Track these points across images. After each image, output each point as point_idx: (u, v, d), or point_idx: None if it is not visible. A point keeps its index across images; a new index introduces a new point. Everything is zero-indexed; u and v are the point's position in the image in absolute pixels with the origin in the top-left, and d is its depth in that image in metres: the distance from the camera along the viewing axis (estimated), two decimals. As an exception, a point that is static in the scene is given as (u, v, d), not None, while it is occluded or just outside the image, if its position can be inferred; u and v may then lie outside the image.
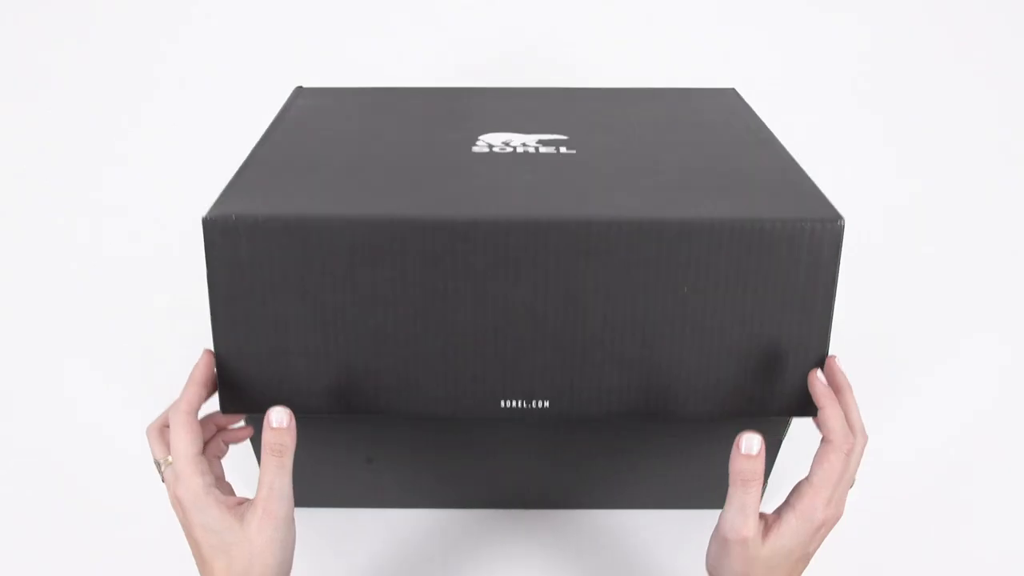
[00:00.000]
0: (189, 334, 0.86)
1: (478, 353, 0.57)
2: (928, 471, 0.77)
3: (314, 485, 0.72)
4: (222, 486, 0.57)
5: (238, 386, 0.58)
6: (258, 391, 0.58)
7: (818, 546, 0.55)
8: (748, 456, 0.53)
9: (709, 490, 0.73)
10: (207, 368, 0.57)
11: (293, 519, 0.54)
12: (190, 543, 0.54)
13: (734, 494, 0.53)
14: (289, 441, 0.54)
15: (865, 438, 0.56)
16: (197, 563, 0.54)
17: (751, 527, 0.53)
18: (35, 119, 1.05)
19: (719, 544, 0.55)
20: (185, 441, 0.54)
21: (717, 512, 0.73)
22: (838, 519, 0.55)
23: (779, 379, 0.58)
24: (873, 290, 0.89)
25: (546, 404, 0.58)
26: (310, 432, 0.66)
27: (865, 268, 0.90)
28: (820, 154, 1.00)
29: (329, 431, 0.66)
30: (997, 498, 0.75)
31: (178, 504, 0.54)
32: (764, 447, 0.53)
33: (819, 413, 0.56)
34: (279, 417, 0.54)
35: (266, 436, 0.53)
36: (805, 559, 0.55)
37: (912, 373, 0.83)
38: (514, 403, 0.59)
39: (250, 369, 0.57)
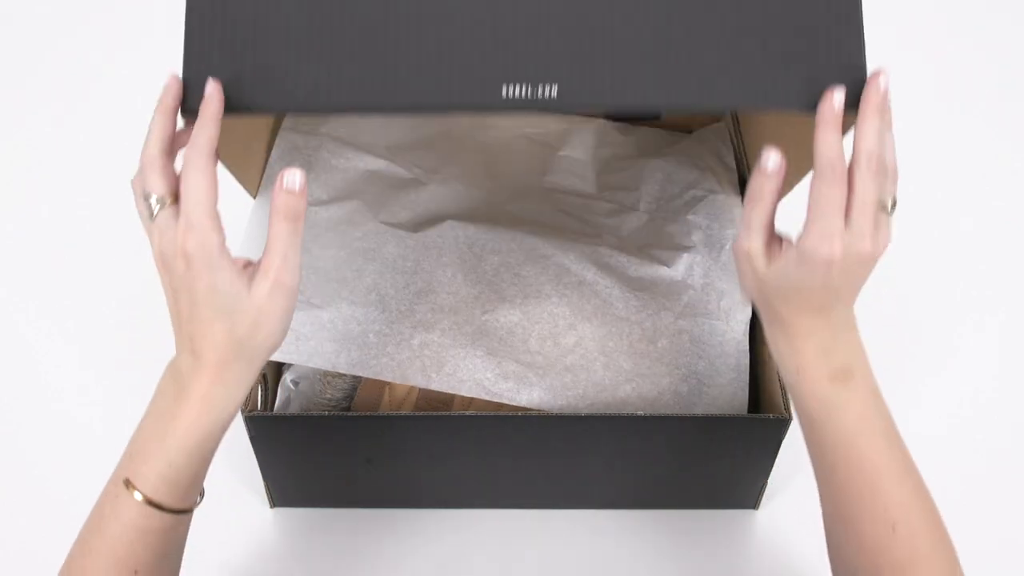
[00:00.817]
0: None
1: (476, 31, 0.51)
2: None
3: (314, 485, 0.72)
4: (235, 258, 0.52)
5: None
6: (233, 89, 0.53)
7: (852, 283, 0.53)
8: (762, 172, 0.52)
9: (709, 490, 0.73)
10: (218, 102, 0.52)
11: (298, 290, 0.51)
12: (180, 302, 0.50)
13: (744, 210, 0.54)
14: (303, 205, 0.50)
15: (878, 162, 0.53)
16: (184, 324, 0.50)
17: (751, 241, 0.54)
18: (23, 111, 1.05)
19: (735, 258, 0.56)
20: (206, 189, 0.49)
21: (717, 512, 0.74)
22: (873, 253, 0.53)
23: (802, 72, 0.53)
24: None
25: (554, 91, 0.52)
26: (310, 432, 0.66)
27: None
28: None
29: (329, 431, 0.66)
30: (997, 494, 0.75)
31: (182, 258, 0.48)
32: (783, 165, 0.52)
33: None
34: (292, 179, 0.49)
35: (278, 199, 0.49)
36: (832, 294, 0.53)
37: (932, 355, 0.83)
38: (518, 89, 0.52)
39: (223, 63, 0.52)
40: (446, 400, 0.68)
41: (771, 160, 0.52)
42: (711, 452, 0.68)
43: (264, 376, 0.71)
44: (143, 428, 0.52)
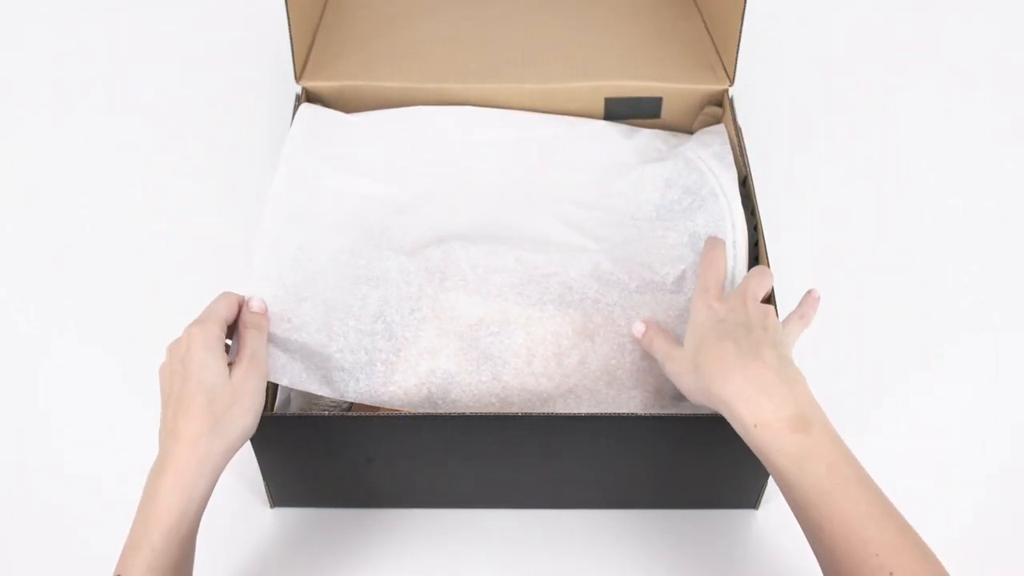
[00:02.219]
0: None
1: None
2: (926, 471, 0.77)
3: (314, 485, 0.72)
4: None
5: None
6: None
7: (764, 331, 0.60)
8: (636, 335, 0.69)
9: (709, 490, 0.73)
10: (264, 320, 0.66)
11: (267, 381, 0.63)
12: (173, 381, 0.59)
13: (646, 343, 0.68)
14: (266, 322, 0.66)
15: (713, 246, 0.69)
16: (170, 404, 0.58)
17: (662, 344, 0.66)
18: (27, 115, 1.05)
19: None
20: (224, 311, 0.63)
21: (717, 512, 0.74)
22: (752, 320, 0.60)
23: None
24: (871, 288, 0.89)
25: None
26: (310, 432, 0.66)
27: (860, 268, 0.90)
28: (820, 154, 1.00)
29: (329, 431, 0.66)
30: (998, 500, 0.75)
31: (186, 343, 0.60)
32: (645, 329, 0.68)
33: None
34: (258, 304, 0.67)
35: (246, 316, 0.65)
36: (748, 336, 0.59)
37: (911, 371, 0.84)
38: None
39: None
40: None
41: (636, 328, 0.69)
42: (711, 452, 0.68)
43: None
44: (134, 519, 0.57)
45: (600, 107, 0.89)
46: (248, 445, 0.66)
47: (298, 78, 0.87)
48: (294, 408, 0.72)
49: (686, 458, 0.69)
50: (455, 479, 0.71)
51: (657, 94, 0.88)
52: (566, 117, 0.88)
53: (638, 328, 0.68)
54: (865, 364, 0.83)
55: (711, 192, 0.77)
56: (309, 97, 0.88)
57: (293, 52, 0.85)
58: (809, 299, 0.66)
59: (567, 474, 0.71)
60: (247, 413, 0.59)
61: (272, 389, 0.73)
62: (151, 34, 1.11)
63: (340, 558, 0.71)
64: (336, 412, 0.70)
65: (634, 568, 0.71)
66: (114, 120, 1.03)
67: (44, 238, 0.92)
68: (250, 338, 0.63)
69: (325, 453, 0.68)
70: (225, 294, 0.65)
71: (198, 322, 0.61)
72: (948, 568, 0.53)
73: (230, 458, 0.59)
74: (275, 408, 0.72)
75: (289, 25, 0.83)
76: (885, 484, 0.75)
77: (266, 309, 0.67)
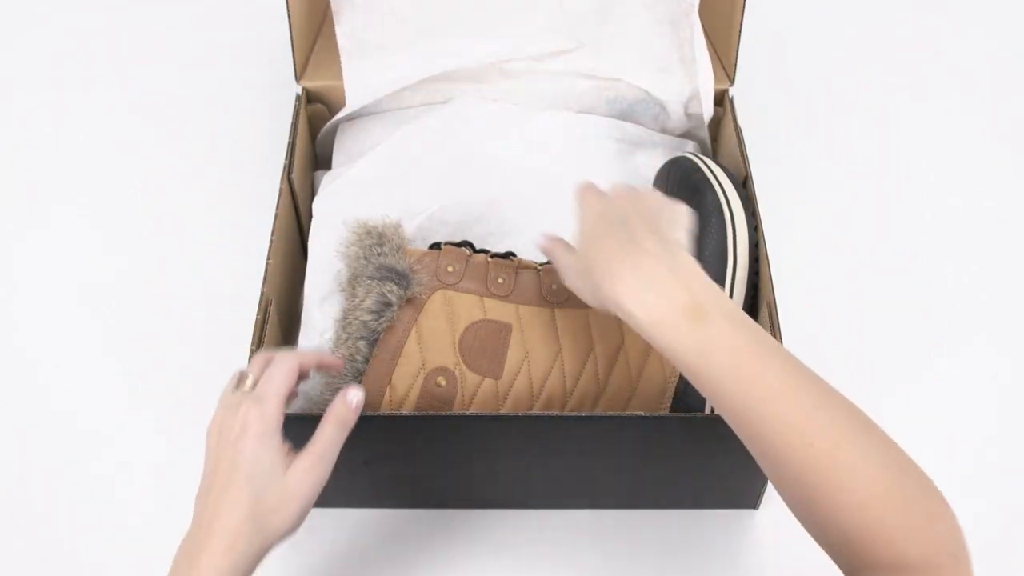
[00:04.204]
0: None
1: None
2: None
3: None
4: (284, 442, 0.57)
5: None
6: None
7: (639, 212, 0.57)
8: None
9: (709, 490, 0.73)
10: (353, 419, 0.59)
11: (323, 484, 0.56)
12: (220, 468, 0.54)
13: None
14: (355, 419, 0.58)
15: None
16: (212, 493, 0.53)
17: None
18: (29, 116, 1.05)
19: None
20: (286, 379, 0.56)
21: (717, 512, 0.74)
22: (627, 209, 0.57)
23: None
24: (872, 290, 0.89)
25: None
26: (310, 432, 0.66)
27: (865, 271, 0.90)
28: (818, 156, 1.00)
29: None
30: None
31: (240, 425, 0.54)
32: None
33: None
34: (355, 397, 0.58)
35: (338, 407, 0.57)
36: (627, 219, 0.56)
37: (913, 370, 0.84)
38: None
39: None
40: (447, 399, 0.68)
41: (539, 240, 0.65)
42: (711, 452, 0.68)
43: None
44: None
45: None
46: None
47: (298, 78, 0.87)
48: (294, 408, 0.72)
49: (686, 458, 0.69)
50: (455, 479, 0.71)
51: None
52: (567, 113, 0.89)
53: (540, 240, 0.64)
54: (865, 364, 0.83)
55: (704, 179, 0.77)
56: (309, 97, 0.88)
57: (293, 52, 0.85)
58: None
59: (567, 474, 0.71)
60: (292, 519, 0.54)
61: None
62: (151, 34, 1.11)
63: (340, 558, 0.71)
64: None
65: (635, 568, 0.71)
66: (114, 120, 1.02)
67: (43, 238, 0.92)
68: (328, 435, 0.56)
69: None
70: (285, 359, 0.58)
71: (257, 400, 0.55)
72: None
73: (266, 554, 0.54)
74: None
75: (289, 25, 0.83)
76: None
77: (361, 405, 0.59)
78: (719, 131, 0.90)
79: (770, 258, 0.73)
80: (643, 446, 0.68)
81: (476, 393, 0.67)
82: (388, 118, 0.88)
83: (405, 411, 0.67)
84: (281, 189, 0.78)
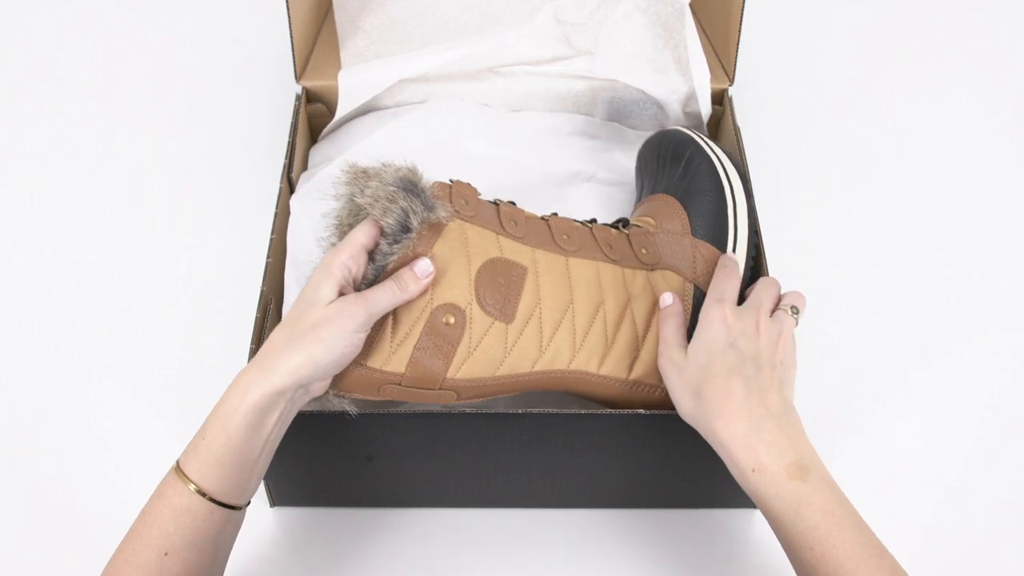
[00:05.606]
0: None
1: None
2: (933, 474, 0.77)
3: (314, 485, 0.72)
4: (349, 287, 0.60)
5: None
6: None
7: (772, 361, 0.61)
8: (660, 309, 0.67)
9: (709, 490, 0.73)
10: (416, 290, 0.60)
11: (362, 332, 0.58)
12: (297, 300, 0.59)
13: (660, 330, 0.66)
14: (416, 292, 0.60)
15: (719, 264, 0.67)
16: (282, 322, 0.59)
17: (671, 350, 0.64)
18: (30, 120, 1.05)
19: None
20: (363, 237, 0.60)
21: (717, 512, 0.74)
22: (762, 354, 0.60)
23: None
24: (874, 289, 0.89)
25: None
26: (310, 431, 0.66)
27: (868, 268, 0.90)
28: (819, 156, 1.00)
29: (329, 430, 0.66)
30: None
31: (320, 262, 0.60)
32: (677, 301, 0.67)
33: None
34: (424, 271, 0.60)
35: (405, 272, 0.60)
36: (753, 372, 0.60)
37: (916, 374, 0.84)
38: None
39: None
40: (452, 340, 0.62)
41: (665, 299, 0.67)
42: (711, 452, 0.68)
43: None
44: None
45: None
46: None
47: (298, 78, 0.87)
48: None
49: (686, 458, 0.69)
50: (455, 478, 0.71)
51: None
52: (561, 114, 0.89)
53: (666, 299, 0.67)
54: (864, 364, 0.83)
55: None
56: (309, 97, 0.88)
57: (293, 52, 0.85)
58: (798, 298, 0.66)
59: (567, 473, 0.71)
60: (319, 343, 0.56)
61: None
62: (151, 33, 1.11)
63: (340, 558, 0.71)
64: (336, 412, 0.70)
65: (634, 568, 0.71)
66: (114, 120, 1.02)
67: (43, 238, 0.92)
68: (384, 291, 0.59)
69: (325, 453, 0.68)
70: (372, 220, 0.61)
71: (334, 247, 0.60)
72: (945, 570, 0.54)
73: (311, 385, 0.58)
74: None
75: (289, 25, 0.83)
76: (883, 484, 0.75)
77: (429, 276, 0.60)
78: (718, 130, 0.90)
79: (769, 258, 0.73)
80: (643, 446, 0.68)
81: (484, 338, 0.62)
82: (367, 118, 0.88)
83: (404, 410, 0.67)
84: (281, 189, 0.78)
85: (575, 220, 0.71)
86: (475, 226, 0.64)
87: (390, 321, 0.61)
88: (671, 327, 0.65)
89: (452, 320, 0.62)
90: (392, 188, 0.60)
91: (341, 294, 0.58)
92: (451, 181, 0.67)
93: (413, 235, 0.61)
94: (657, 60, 0.89)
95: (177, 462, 0.56)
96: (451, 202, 0.64)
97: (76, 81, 1.07)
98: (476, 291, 0.62)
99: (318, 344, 0.56)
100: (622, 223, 0.74)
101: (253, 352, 0.67)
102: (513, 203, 0.70)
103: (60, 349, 0.84)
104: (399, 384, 0.62)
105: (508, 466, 0.70)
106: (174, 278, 0.89)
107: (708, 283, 0.68)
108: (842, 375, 0.81)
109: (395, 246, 0.60)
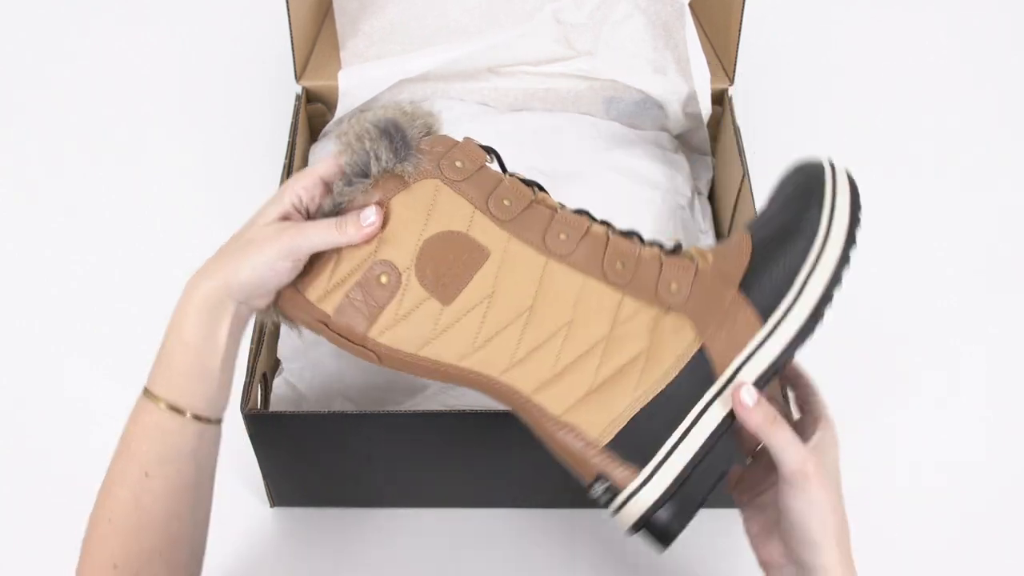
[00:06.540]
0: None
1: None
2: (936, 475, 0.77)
3: (314, 485, 0.72)
4: (297, 215, 0.59)
5: None
6: None
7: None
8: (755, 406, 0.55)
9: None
10: (356, 238, 0.58)
11: (286, 262, 0.56)
12: None
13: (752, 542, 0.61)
14: (355, 239, 0.57)
15: (827, 424, 0.60)
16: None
17: (766, 549, 0.60)
18: (29, 117, 1.05)
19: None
20: (322, 169, 0.59)
21: (717, 512, 0.74)
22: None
23: None
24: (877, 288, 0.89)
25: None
26: (310, 431, 0.66)
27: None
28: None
29: (329, 430, 0.66)
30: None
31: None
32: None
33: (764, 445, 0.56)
34: (371, 221, 0.57)
35: (350, 216, 0.57)
36: (839, 521, 0.57)
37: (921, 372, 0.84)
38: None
39: None
40: (379, 302, 0.58)
41: (745, 396, 0.56)
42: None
43: (265, 375, 0.71)
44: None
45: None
46: (248, 445, 0.66)
47: (298, 78, 0.87)
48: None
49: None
50: (455, 478, 0.71)
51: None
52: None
53: (747, 397, 0.55)
54: (865, 364, 0.83)
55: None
56: (309, 97, 0.88)
57: (293, 52, 0.85)
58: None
59: (568, 473, 0.71)
60: (245, 260, 0.56)
61: (265, 388, 0.73)
62: (151, 34, 1.11)
63: (340, 558, 0.71)
64: (336, 411, 0.70)
65: (634, 568, 0.71)
66: (114, 120, 1.03)
67: (44, 238, 0.92)
68: (320, 228, 0.56)
69: (325, 453, 0.68)
70: (336, 156, 0.59)
71: (295, 174, 0.59)
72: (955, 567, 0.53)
73: (240, 298, 0.57)
74: (270, 401, 0.72)
75: (289, 25, 0.83)
76: (884, 484, 0.75)
77: (371, 230, 0.57)
78: (718, 130, 0.90)
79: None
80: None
81: (412, 312, 0.57)
82: None
83: (404, 410, 0.67)
84: (281, 189, 0.78)
85: (596, 221, 0.61)
86: (453, 192, 0.58)
87: (334, 259, 0.58)
88: (783, 437, 0.55)
89: (386, 280, 0.57)
90: (368, 126, 0.57)
91: (286, 219, 0.58)
92: (480, 146, 0.61)
93: (369, 181, 0.57)
94: (657, 60, 0.89)
95: (144, 386, 0.57)
96: (442, 160, 0.59)
97: (76, 81, 1.07)
98: (418, 258, 0.58)
99: (244, 260, 0.56)
100: (676, 246, 0.61)
101: (252, 351, 0.68)
102: (538, 185, 0.62)
103: (60, 349, 0.84)
104: (326, 325, 0.59)
105: (508, 466, 0.70)
106: (174, 278, 0.88)
107: (720, 351, 0.57)
108: (842, 375, 0.81)
109: (348, 188, 0.57)
